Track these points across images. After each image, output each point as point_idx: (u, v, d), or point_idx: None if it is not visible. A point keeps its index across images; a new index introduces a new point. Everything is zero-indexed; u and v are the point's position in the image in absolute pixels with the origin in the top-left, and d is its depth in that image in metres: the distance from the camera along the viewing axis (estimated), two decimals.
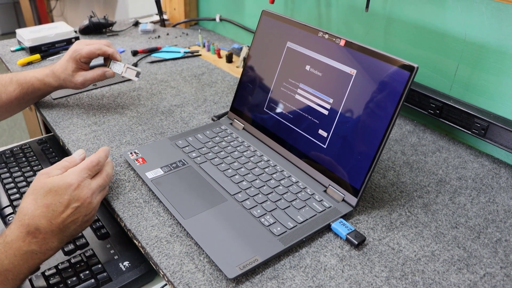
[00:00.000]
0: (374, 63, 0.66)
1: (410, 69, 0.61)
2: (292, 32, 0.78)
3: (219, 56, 1.29)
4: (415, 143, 0.89)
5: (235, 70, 1.20)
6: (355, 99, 0.68)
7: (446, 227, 0.67)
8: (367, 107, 0.66)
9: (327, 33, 0.73)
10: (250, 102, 0.86)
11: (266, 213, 0.65)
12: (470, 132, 0.83)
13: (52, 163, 0.86)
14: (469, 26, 0.82)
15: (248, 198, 0.68)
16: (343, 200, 0.68)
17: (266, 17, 0.83)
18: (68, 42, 1.27)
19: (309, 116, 0.75)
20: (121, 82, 1.09)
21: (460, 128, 0.85)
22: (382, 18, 0.96)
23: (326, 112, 0.72)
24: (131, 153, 0.78)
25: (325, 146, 0.72)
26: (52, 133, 0.93)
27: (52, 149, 0.90)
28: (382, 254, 0.62)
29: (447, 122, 0.87)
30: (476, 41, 0.82)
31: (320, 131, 0.73)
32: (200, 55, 1.29)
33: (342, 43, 0.70)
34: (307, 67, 0.75)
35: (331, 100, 0.71)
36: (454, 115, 0.86)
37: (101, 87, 1.06)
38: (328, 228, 0.65)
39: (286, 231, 0.62)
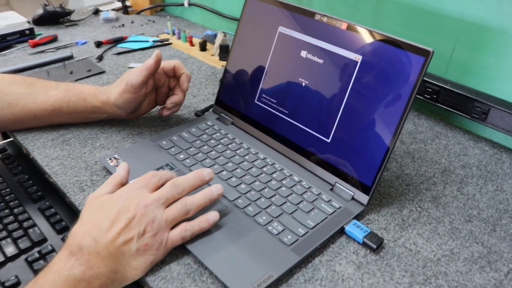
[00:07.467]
0: (382, 48, 0.60)
1: (425, 53, 0.56)
2: (284, 15, 0.71)
3: (192, 44, 1.20)
4: (412, 130, 0.85)
5: (211, 59, 1.12)
6: (361, 88, 0.62)
7: (460, 221, 0.63)
8: (376, 97, 0.60)
9: (325, 15, 0.66)
10: (238, 94, 0.78)
11: (272, 220, 0.58)
12: (469, 117, 0.80)
13: (15, 174, 0.74)
14: (467, 5, 0.77)
15: (250, 204, 0.60)
16: (353, 198, 0.63)
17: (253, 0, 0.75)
18: (21, 34, 1.14)
19: (308, 108, 0.68)
20: (86, 77, 0.98)
21: (458, 112, 0.81)
22: None
23: (328, 103, 0.66)
24: (110, 158, 0.68)
25: (328, 140, 0.65)
26: (12, 139, 0.82)
27: (14, 158, 0.78)
28: (400, 257, 0.57)
29: (444, 106, 0.83)
30: (474, 21, 0.77)
31: (323, 124, 0.66)
32: (170, 43, 1.19)
33: (344, 26, 0.64)
34: (303, 54, 0.68)
35: (334, 90, 0.65)
36: (452, 99, 0.81)
37: None
38: (340, 232, 0.59)
39: (298, 239, 0.55)
